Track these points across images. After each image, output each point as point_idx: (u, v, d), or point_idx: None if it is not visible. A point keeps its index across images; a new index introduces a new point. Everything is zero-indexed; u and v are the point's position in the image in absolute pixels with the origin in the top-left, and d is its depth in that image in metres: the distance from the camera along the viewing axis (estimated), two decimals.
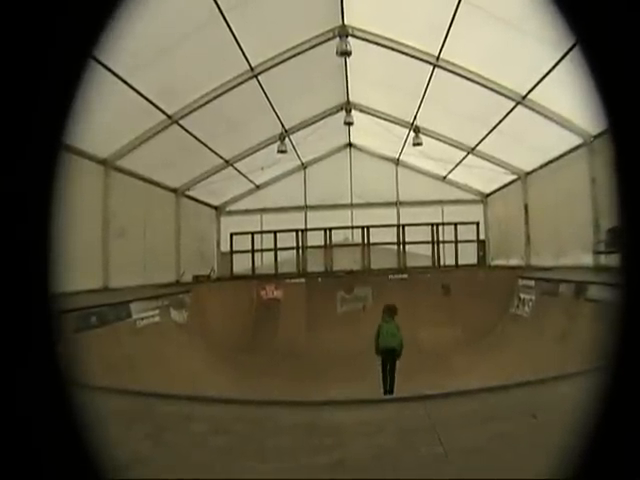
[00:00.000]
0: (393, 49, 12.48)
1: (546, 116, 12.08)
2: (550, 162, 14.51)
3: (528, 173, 16.43)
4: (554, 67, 10.08)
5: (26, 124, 1.35)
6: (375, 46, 12.68)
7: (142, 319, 11.01)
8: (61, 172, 1.41)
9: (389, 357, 10.20)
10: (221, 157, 16.75)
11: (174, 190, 16.84)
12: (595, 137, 11.85)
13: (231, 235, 20.71)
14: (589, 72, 1.39)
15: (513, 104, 12.59)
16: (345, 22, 12.29)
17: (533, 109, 12.24)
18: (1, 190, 1.32)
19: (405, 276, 17.91)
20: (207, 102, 12.92)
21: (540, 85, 11.21)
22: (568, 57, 8.33)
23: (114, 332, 9.60)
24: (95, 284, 11.49)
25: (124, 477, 1.97)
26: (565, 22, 1.45)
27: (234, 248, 20.68)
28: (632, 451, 1.31)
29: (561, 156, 13.73)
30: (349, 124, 17.12)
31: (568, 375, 4.13)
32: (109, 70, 9.44)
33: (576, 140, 12.53)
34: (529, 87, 11.68)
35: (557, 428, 2.84)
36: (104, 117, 10.06)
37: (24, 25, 1.35)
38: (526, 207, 16.71)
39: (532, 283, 12.98)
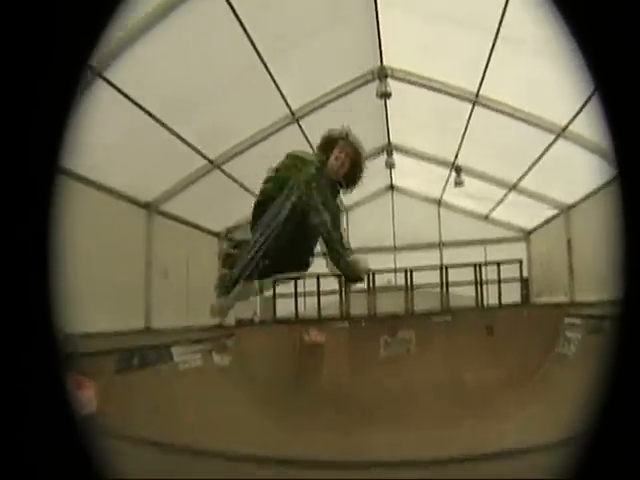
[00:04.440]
0: (433, 88, 12.56)
1: (586, 147, 11.83)
2: (591, 194, 14.03)
3: (570, 207, 15.96)
4: (591, 97, 9.88)
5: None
6: (414, 86, 12.78)
7: (184, 362, 11.04)
8: (59, 203, 1.42)
9: None
10: None
11: (216, 234, 17.06)
12: None
13: (274, 279, 20.68)
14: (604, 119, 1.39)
15: (553, 137, 12.40)
16: (384, 63, 12.45)
17: (573, 140, 12.00)
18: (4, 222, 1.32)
19: (449, 318, 17.50)
20: (249, 147, 13.20)
21: (579, 116, 11.00)
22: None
23: (156, 374, 9.62)
24: (137, 324, 11.63)
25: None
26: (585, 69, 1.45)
27: (277, 292, 20.68)
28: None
29: (601, 188, 13.24)
30: (391, 166, 17.12)
31: None
32: (152, 116, 9.80)
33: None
34: (568, 118, 11.48)
35: None
36: (147, 162, 10.42)
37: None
38: (569, 242, 16.18)
39: (578, 321, 12.50)
